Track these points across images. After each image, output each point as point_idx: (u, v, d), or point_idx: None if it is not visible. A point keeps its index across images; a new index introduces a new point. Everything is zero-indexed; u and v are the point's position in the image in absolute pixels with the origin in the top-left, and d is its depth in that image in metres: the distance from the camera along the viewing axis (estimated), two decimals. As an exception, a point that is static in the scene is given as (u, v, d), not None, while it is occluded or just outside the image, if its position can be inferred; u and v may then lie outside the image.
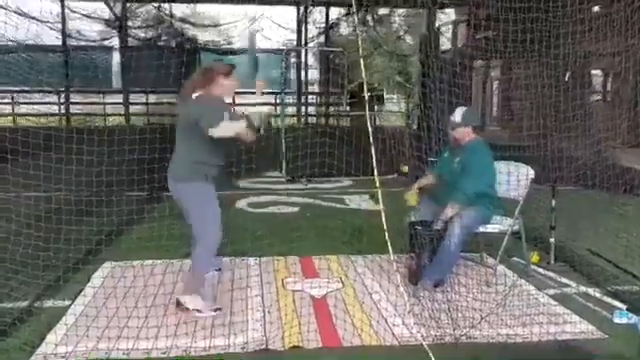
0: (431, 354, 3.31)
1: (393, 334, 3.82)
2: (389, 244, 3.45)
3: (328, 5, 19.46)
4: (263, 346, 3.66)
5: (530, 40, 5.48)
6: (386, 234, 3.43)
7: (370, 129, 3.29)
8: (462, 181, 4.71)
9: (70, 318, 3.99)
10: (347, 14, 18.69)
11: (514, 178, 5.03)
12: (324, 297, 4.50)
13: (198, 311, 4.11)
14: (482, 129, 5.07)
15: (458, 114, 4.86)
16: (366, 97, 3.42)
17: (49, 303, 4.29)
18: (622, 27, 4.39)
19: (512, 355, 3.60)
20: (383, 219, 3.45)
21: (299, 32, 21.16)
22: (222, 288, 4.66)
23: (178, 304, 4.17)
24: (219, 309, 4.19)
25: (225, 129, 3.83)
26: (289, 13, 21.62)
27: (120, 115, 20.70)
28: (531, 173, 5.07)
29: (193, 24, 22.14)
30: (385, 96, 22.05)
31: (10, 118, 18.18)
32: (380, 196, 3.52)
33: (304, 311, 4.18)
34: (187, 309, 4.12)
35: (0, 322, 3.84)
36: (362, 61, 3.34)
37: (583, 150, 6.19)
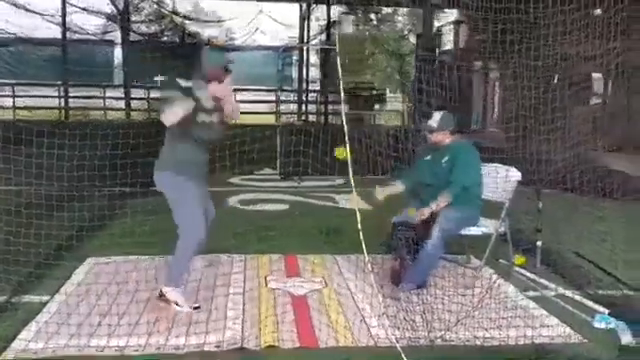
0: (404, 356, 3.29)
1: (370, 335, 3.80)
2: (363, 244, 3.44)
3: (329, 3, 19.45)
4: (238, 345, 3.64)
5: (518, 42, 5.45)
6: (360, 234, 3.41)
7: (345, 128, 3.27)
8: (454, 175, 4.68)
9: (46, 314, 3.97)
10: (349, 12, 18.70)
11: (500, 180, 5.01)
12: (305, 296, 4.48)
13: (177, 304, 4.11)
14: (462, 132, 5.03)
15: (435, 119, 4.85)
16: (342, 95, 3.39)
17: (27, 298, 4.28)
18: (604, 29, 4.36)
19: (488, 358, 3.57)
20: (358, 219, 3.43)
21: (301, 30, 21.16)
22: (203, 285, 4.65)
23: (160, 295, 4.18)
24: (198, 307, 4.18)
25: (170, 114, 3.86)
26: (291, 11, 21.65)
27: (121, 110, 20.74)
28: (517, 175, 5.06)
29: (195, 20, 22.18)
30: (387, 95, 22.06)
31: (9, 111, 18.19)
32: (355, 196, 3.50)
33: (283, 310, 4.16)
34: (167, 300, 4.13)
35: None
36: (338, 60, 3.30)
37: (567, 153, 6.17)
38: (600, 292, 4.73)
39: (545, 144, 5.73)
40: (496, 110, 18.59)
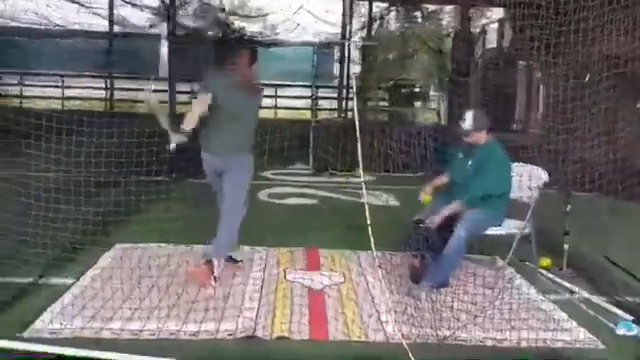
0: (410, 354, 3.27)
1: (382, 331, 3.79)
2: (372, 240, 3.44)
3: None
4: (250, 333, 3.69)
5: (563, 40, 5.33)
6: (369, 229, 3.42)
7: (357, 125, 3.27)
8: (473, 182, 4.63)
9: (69, 296, 4.11)
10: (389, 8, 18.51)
11: (526, 181, 4.91)
12: (322, 290, 4.51)
13: (215, 279, 4.38)
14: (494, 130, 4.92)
15: (468, 120, 4.74)
16: (354, 89, 3.39)
17: (53, 281, 4.42)
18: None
19: (500, 358, 3.52)
20: (367, 214, 3.44)
21: (344, 26, 21.07)
22: (223, 274, 4.71)
23: (208, 261, 4.40)
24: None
25: (189, 120, 4.37)
26: (334, 6, 21.58)
27: (165, 102, 21.11)
28: (543, 176, 4.95)
29: (238, 15, 22.36)
30: (430, 93, 21.84)
31: (50, 101, 18.73)
32: (365, 191, 3.52)
33: (299, 302, 4.20)
34: (210, 268, 4.37)
35: (4, 296, 3.99)
36: (347, 54, 3.29)
37: (608, 155, 6.00)
38: (628, 298, 4.59)
39: (582, 144, 5.59)
40: (540, 110, 18.17)
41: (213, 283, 4.37)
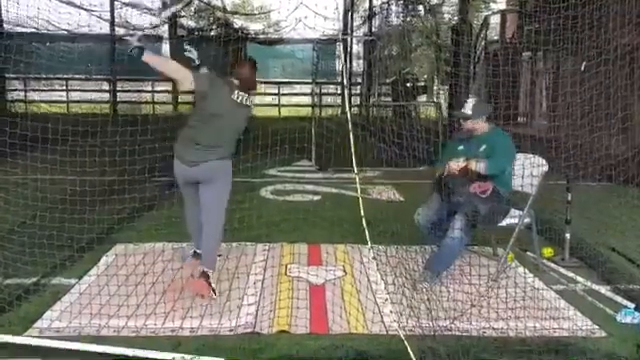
0: (407, 344, 3.27)
1: (382, 323, 3.80)
2: (367, 232, 3.45)
3: (372, -6, 19.30)
4: (251, 329, 3.70)
5: (572, 33, 5.30)
6: (363, 222, 3.43)
7: (349, 121, 3.27)
8: (496, 158, 4.60)
9: (72, 296, 4.15)
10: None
11: (527, 171, 4.90)
12: (323, 284, 4.52)
13: (214, 290, 4.25)
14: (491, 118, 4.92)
15: (468, 107, 4.74)
16: (344, 84, 3.39)
17: (56, 281, 4.46)
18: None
19: (500, 348, 3.50)
20: (361, 207, 3.45)
21: (344, 21, 21.04)
22: (224, 270, 4.74)
23: (204, 275, 4.27)
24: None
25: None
26: (335, 1, 21.54)
27: (168, 103, 21.15)
28: (544, 166, 4.93)
29: (238, 13, 22.33)
30: (435, 87, 21.77)
31: (58, 105, 18.78)
32: (358, 185, 3.53)
33: (300, 297, 4.19)
34: (210, 284, 4.24)
35: (8, 296, 4.03)
36: (341, 49, 3.30)
37: (618, 145, 5.96)
38: (630, 286, 4.58)
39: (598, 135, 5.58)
40: (544, 102, 18.09)
41: (214, 295, 4.24)
